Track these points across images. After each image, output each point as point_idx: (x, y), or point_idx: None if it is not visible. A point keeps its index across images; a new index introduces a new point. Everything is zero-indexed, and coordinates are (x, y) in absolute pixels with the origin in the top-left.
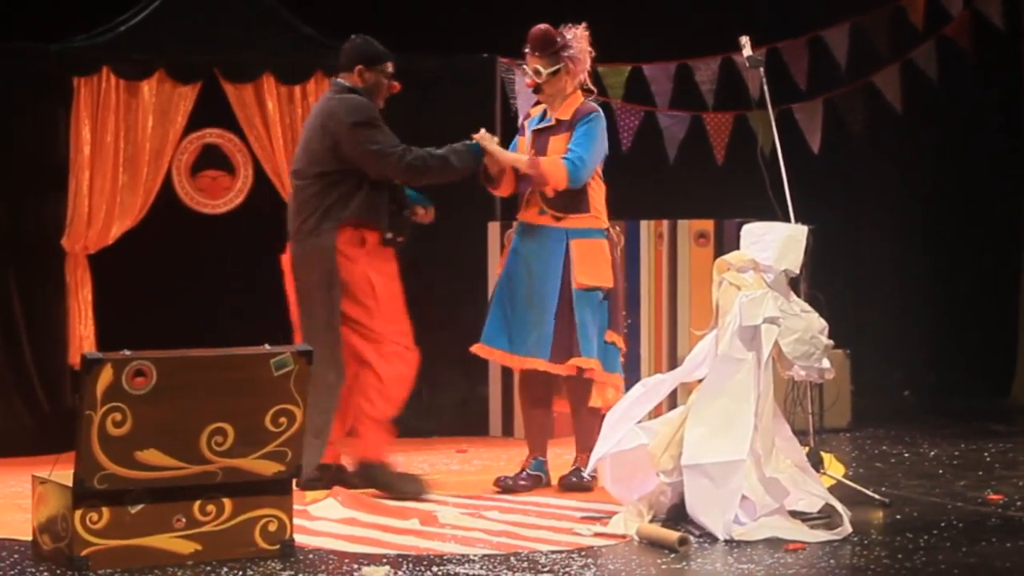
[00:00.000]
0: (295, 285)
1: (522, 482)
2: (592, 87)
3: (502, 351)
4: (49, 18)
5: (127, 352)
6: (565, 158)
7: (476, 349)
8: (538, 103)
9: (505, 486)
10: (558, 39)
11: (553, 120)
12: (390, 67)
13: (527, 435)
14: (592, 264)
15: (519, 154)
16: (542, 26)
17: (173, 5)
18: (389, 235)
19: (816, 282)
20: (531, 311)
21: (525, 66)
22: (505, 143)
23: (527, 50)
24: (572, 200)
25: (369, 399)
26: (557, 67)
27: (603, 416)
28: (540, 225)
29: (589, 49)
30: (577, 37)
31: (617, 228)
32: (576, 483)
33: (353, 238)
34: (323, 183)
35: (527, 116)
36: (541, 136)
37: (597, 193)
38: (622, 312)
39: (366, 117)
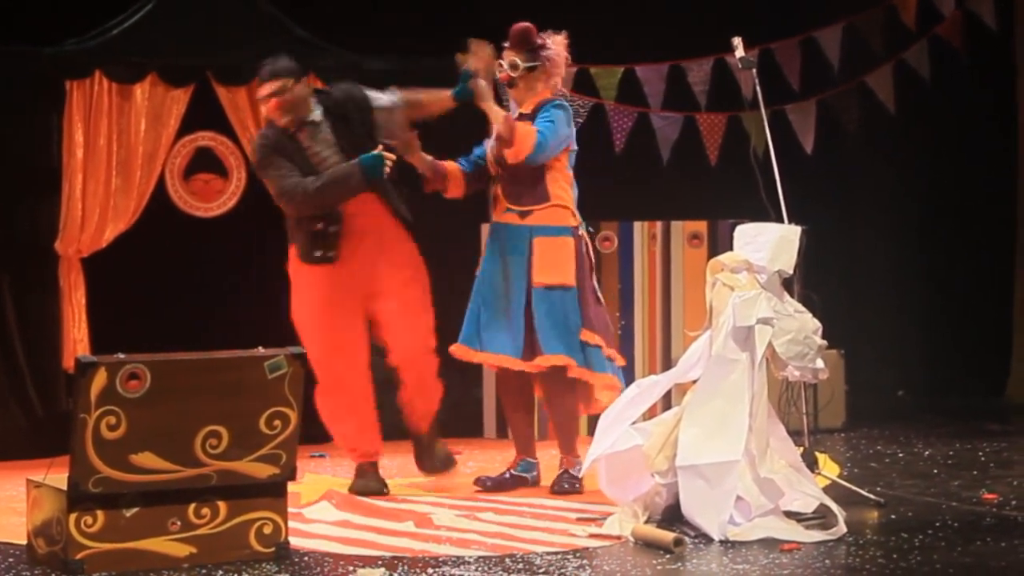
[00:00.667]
0: None
1: (503, 480)
2: (566, 92)
3: (477, 351)
4: (41, 21)
5: (121, 355)
6: (537, 127)
7: (455, 349)
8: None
9: (484, 485)
10: (537, 39)
11: (517, 115)
12: (262, 91)
13: (513, 437)
14: (552, 262)
15: (498, 108)
16: (524, 23)
17: (166, 8)
18: (318, 254)
19: (810, 283)
20: (501, 310)
21: (501, 61)
22: None
23: (506, 45)
24: (533, 194)
25: None
26: (534, 64)
27: (592, 418)
28: (506, 224)
29: (567, 56)
30: (557, 43)
31: (588, 228)
32: (567, 488)
33: (297, 268)
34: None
35: None
36: None
37: (562, 189)
38: (596, 309)
39: (259, 151)
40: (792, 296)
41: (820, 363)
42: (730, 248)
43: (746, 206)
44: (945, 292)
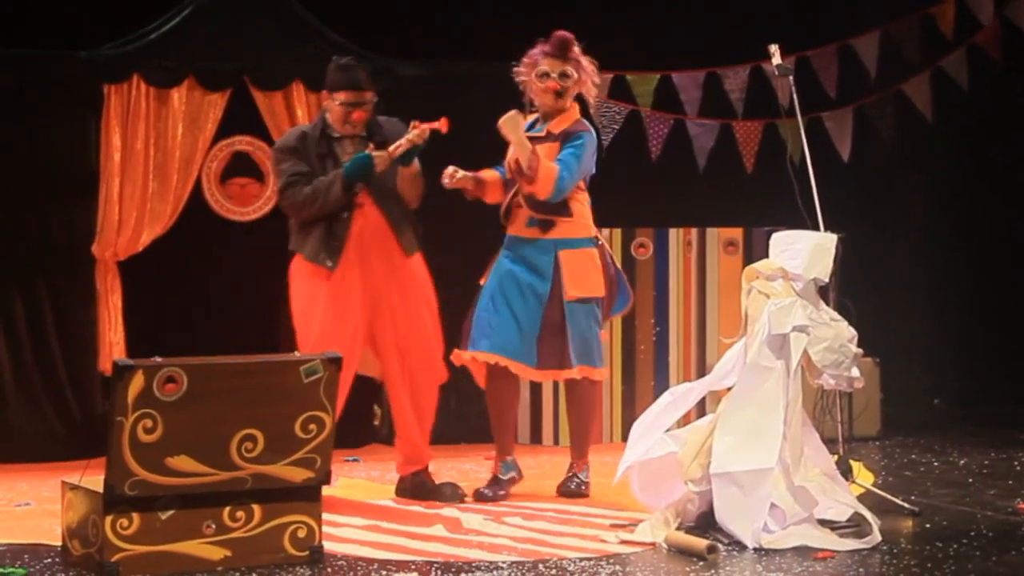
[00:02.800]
0: None
1: (501, 492)
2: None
3: (504, 357)
4: (79, 25)
5: (158, 359)
6: (558, 162)
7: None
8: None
9: (485, 497)
10: (575, 48)
11: (544, 131)
12: (342, 96)
13: (498, 438)
14: (583, 275)
15: (527, 144)
16: (567, 33)
17: (203, 13)
18: (318, 259)
19: (846, 291)
20: (522, 321)
21: (544, 67)
22: None
23: (547, 52)
24: (556, 207)
25: None
26: (578, 76)
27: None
28: (529, 238)
29: (594, 72)
30: (592, 68)
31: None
32: (575, 490)
33: (298, 268)
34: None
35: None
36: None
37: (580, 204)
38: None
39: (279, 144)
40: (828, 304)
41: (856, 372)
42: (766, 256)
43: (782, 214)
44: (981, 301)
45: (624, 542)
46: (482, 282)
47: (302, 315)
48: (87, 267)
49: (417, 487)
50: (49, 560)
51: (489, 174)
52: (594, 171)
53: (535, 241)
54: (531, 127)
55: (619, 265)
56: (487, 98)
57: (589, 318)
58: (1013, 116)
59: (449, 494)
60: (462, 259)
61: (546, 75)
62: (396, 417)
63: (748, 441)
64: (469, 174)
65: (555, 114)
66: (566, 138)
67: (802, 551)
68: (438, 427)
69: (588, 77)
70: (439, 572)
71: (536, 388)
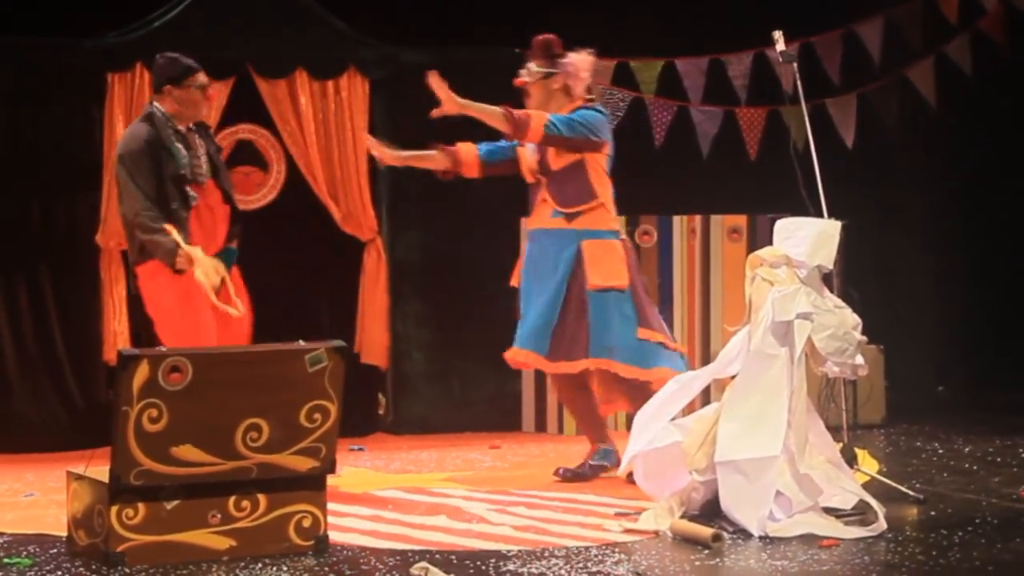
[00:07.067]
0: None
1: (582, 471)
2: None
3: (529, 352)
4: (83, 14)
5: (163, 348)
6: (553, 116)
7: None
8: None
9: (565, 476)
10: (557, 49)
11: None
12: (200, 79)
13: (578, 428)
14: (606, 264)
15: (483, 105)
16: (548, 35)
17: (207, 1)
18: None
19: (850, 278)
20: (545, 312)
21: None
22: None
23: (527, 53)
24: (580, 193)
25: None
26: (551, 71)
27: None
28: (553, 229)
29: (588, 70)
30: (582, 58)
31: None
32: (573, 474)
33: (155, 270)
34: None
35: None
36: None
37: (604, 187)
38: (651, 308)
39: (128, 151)
40: (832, 291)
41: (860, 359)
42: (770, 243)
43: (786, 200)
44: (985, 288)
45: (628, 531)
46: (513, 283)
47: (175, 315)
48: (91, 256)
49: None
50: (55, 550)
51: (464, 148)
52: (612, 151)
53: (559, 231)
54: None
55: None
56: (488, 85)
57: (613, 309)
58: (1017, 101)
59: None
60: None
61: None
62: None
63: (752, 429)
64: (404, 153)
65: (546, 107)
66: None
67: (807, 539)
68: (441, 416)
69: (572, 75)
70: (453, 560)
71: (540, 375)
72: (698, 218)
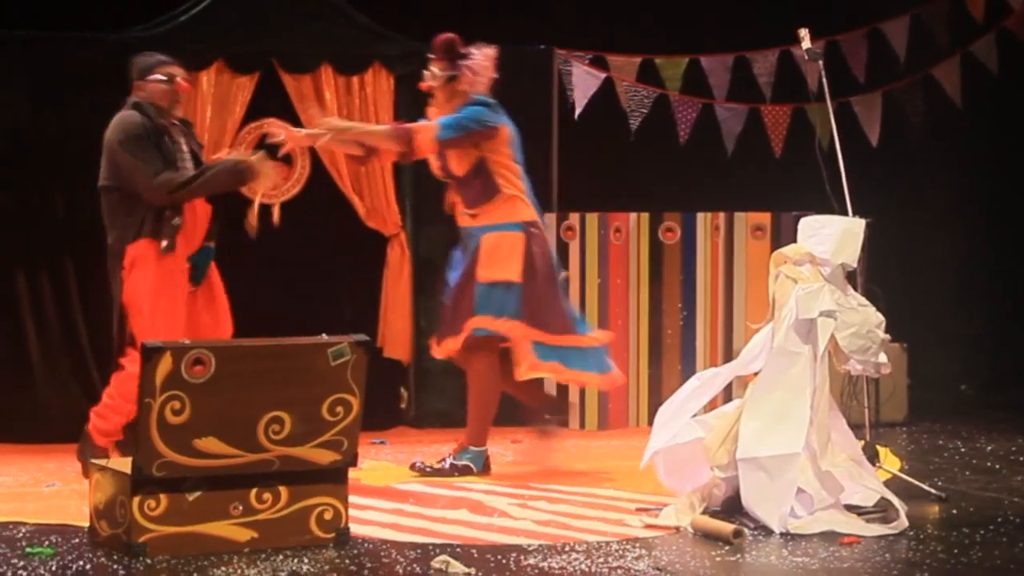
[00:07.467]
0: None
1: (442, 468)
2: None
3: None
4: (108, 8)
5: (186, 341)
6: (437, 122)
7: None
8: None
9: (422, 471)
10: (459, 49)
11: None
12: (166, 70)
13: (468, 418)
14: (498, 258)
15: (365, 124)
16: (447, 34)
17: None
18: (164, 244)
19: (873, 276)
20: (450, 306)
21: (425, 70)
22: (561, 136)
23: (430, 55)
24: (483, 194)
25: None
26: (452, 74)
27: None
28: (465, 227)
29: (491, 67)
30: (484, 55)
31: (542, 221)
32: (433, 471)
33: (146, 252)
34: (114, 198)
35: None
36: None
37: (509, 181)
38: (548, 305)
39: (127, 135)
40: (855, 289)
41: (883, 357)
42: (793, 240)
43: (810, 198)
44: (1009, 286)
45: (649, 526)
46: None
47: (151, 295)
48: None
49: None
50: (77, 540)
51: (372, 135)
52: (515, 135)
53: (469, 229)
54: None
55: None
56: (514, 83)
57: (496, 302)
58: None
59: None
60: None
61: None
62: None
63: (775, 426)
64: (317, 132)
65: (446, 107)
66: None
67: (828, 536)
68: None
69: (476, 75)
70: (474, 553)
71: None
72: (722, 215)
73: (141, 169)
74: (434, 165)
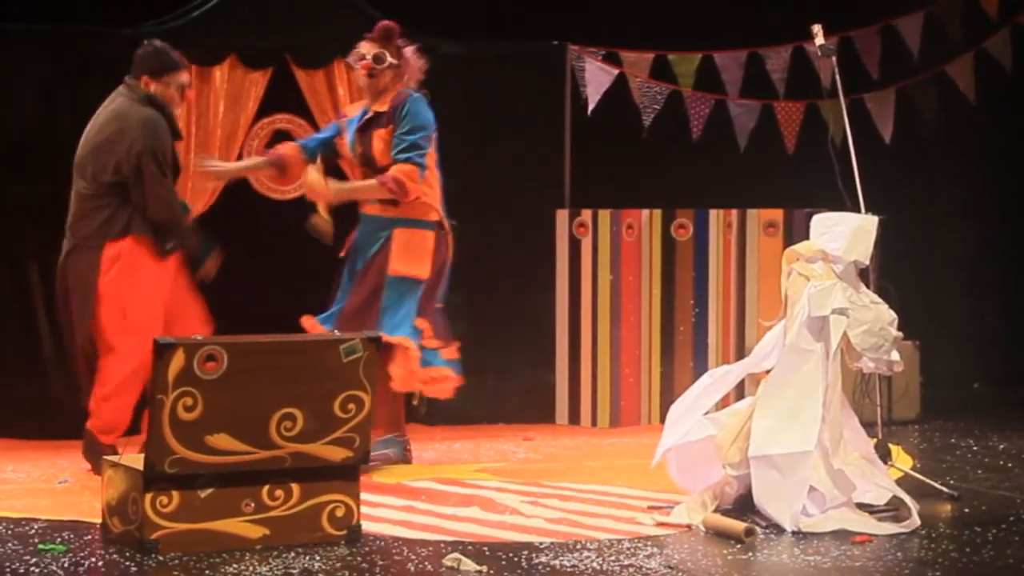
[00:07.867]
0: (75, 286)
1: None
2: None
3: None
4: (122, 2)
5: (199, 337)
6: (404, 158)
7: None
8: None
9: None
10: (399, 39)
11: (372, 113)
12: (183, 78)
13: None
14: (411, 253)
15: (358, 183)
16: (391, 22)
17: None
18: (169, 246)
19: (886, 273)
20: (354, 293)
21: (361, 51)
22: (573, 132)
23: (370, 37)
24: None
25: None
26: (397, 63)
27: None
28: (373, 215)
29: (421, 65)
30: (413, 51)
31: (453, 223)
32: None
33: (133, 250)
34: (106, 192)
35: (343, 116)
36: (365, 132)
37: (428, 186)
38: (437, 305)
39: (158, 145)
40: (868, 287)
41: (895, 355)
42: (806, 237)
43: (823, 195)
44: (1022, 283)
45: (660, 524)
46: (342, 254)
47: (149, 296)
48: None
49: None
50: (89, 537)
51: (286, 149)
52: (434, 135)
53: (377, 217)
54: (363, 115)
55: (452, 254)
56: (526, 78)
57: (405, 297)
58: None
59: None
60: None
61: (362, 57)
62: None
63: (787, 424)
64: (232, 166)
65: (377, 95)
66: (394, 112)
67: (840, 535)
68: (475, 407)
69: (411, 69)
70: (486, 551)
71: (575, 367)
72: (734, 212)
73: (164, 185)
74: (347, 154)
